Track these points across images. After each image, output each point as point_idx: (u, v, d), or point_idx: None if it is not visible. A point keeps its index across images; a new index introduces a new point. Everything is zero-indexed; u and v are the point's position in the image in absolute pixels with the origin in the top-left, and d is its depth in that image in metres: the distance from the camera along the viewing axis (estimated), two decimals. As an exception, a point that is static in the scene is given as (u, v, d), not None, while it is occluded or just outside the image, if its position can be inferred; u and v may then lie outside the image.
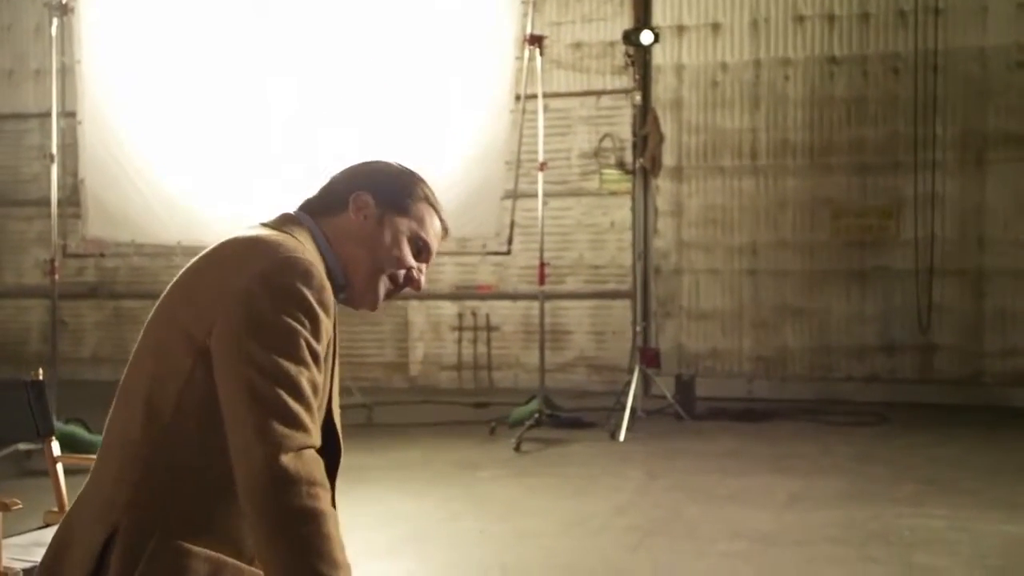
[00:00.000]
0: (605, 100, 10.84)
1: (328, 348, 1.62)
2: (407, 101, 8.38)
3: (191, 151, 8.16)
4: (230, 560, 1.58)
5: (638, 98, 9.44)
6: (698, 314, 10.62)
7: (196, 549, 1.54)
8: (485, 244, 9.41)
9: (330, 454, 1.65)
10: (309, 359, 1.53)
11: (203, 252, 1.75)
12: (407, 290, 1.88)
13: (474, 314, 11.21)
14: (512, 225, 9.06)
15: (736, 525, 5.62)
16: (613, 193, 10.78)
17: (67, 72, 7.87)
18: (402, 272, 1.82)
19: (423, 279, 1.87)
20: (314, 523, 1.47)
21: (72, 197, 8.67)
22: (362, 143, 8.30)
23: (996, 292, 9.76)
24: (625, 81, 10.39)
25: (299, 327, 1.53)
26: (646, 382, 9.37)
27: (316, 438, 1.53)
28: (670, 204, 10.65)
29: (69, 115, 8.21)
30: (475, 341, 11.23)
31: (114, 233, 7.91)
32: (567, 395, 9.88)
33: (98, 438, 6.90)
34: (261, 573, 1.56)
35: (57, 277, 7.23)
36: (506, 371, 11.16)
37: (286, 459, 1.47)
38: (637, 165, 9.69)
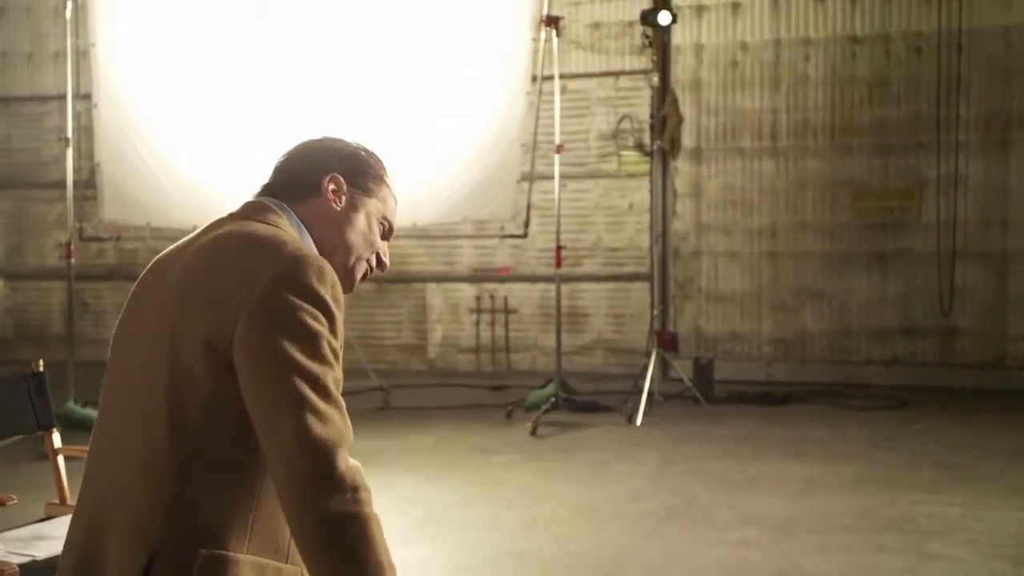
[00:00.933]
0: (623, 81, 10.74)
1: (340, 336, 1.61)
2: (423, 84, 8.34)
3: (207, 135, 8.17)
4: (271, 563, 1.57)
5: (656, 79, 9.35)
6: (717, 297, 10.55)
7: (243, 556, 1.52)
8: (503, 227, 9.39)
9: None
10: (332, 359, 1.52)
11: (189, 249, 1.66)
12: (387, 270, 1.92)
13: (492, 296, 11.19)
14: (529, 208, 9.03)
15: (750, 512, 5.59)
16: (631, 175, 10.70)
17: (83, 55, 7.88)
18: (374, 256, 1.81)
19: (387, 259, 1.85)
20: (360, 527, 1.47)
21: (89, 180, 8.69)
22: (377, 126, 8.28)
23: (1019, 275, 9.63)
24: (644, 62, 10.29)
25: (320, 328, 1.52)
26: (664, 366, 9.33)
27: (349, 434, 1.52)
28: (689, 186, 10.56)
29: (85, 98, 8.22)
30: (493, 324, 11.21)
31: (130, 216, 7.94)
32: (585, 378, 9.86)
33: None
34: (298, 570, 1.58)
35: (74, 261, 7.25)
36: (524, 354, 11.14)
37: (329, 465, 1.46)
38: (655, 147, 9.60)
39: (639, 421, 8.04)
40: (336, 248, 1.74)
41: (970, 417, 8.36)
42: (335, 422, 1.48)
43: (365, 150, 1.88)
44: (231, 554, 1.51)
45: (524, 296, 11.11)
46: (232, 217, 1.72)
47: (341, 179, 1.76)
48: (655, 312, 9.37)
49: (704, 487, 6.17)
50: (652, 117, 9.53)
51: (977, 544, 4.99)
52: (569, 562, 4.79)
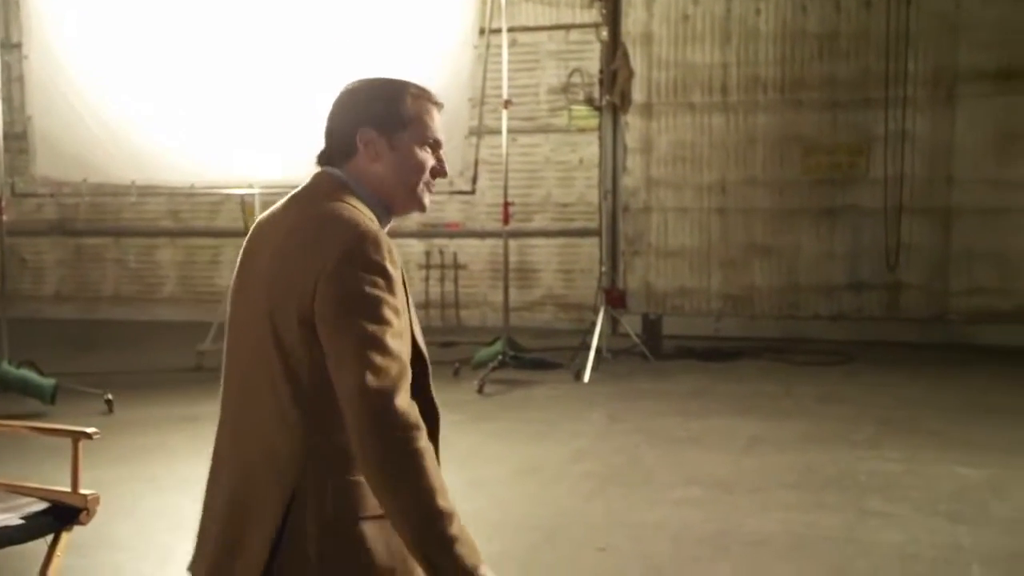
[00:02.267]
0: (574, 34, 10.62)
1: (404, 290, 1.89)
2: (365, 36, 8.15)
3: (144, 89, 7.94)
4: None
5: (605, 33, 9.24)
6: (666, 252, 10.55)
7: (363, 479, 1.82)
8: (452, 182, 9.26)
9: (420, 376, 1.90)
10: (391, 316, 1.80)
11: (276, 234, 1.93)
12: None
13: (441, 252, 11.10)
14: (477, 163, 8.91)
15: (693, 470, 5.61)
16: (582, 130, 10.61)
17: (12, 3, 7.60)
18: (429, 172, 2.02)
19: (446, 164, 2.06)
20: (411, 459, 1.75)
21: (22, 134, 8.43)
22: (317, 81, 8.10)
23: (963, 231, 9.72)
24: (594, 15, 10.17)
25: (379, 293, 1.80)
26: (613, 322, 9.33)
27: (405, 381, 1.80)
28: (639, 141, 10.50)
29: (15, 48, 7.94)
30: (442, 279, 11.14)
31: (65, 172, 7.71)
32: (534, 334, 9.84)
33: (49, 380, 6.82)
34: None
35: (5, 217, 7.03)
36: (474, 309, 11.09)
37: (384, 411, 1.75)
38: (605, 101, 9.51)
39: (587, 378, 8.04)
40: (393, 188, 1.99)
41: (914, 371, 8.46)
42: (390, 373, 1.77)
43: (387, 81, 2.05)
44: (353, 477, 1.84)
45: (474, 252, 11.04)
46: (307, 194, 1.96)
47: (371, 131, 1.96)
48: (603, 269, 9.34)
49: (649, 445, 6.18)
50: (601, 72, 9.41)
51: (915, 500, 5.05)
52: (512, 524, 4.76)
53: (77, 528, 3.34)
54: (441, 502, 1.77)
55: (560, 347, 8.99)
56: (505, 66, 8.50)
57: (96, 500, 3.30)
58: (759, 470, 5.62)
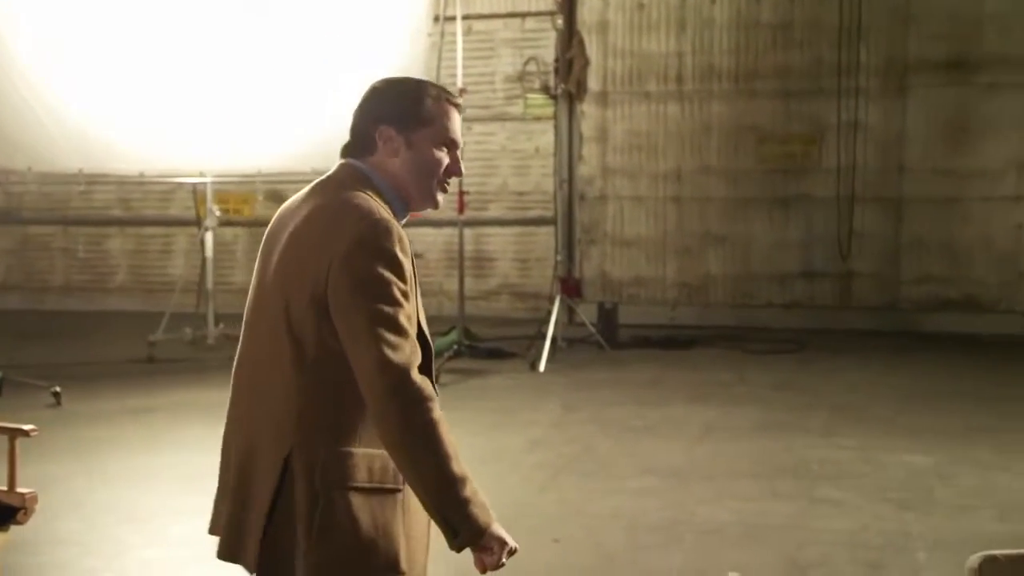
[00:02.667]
0: (530, 22, 10.58)
1: (413, 279, 2.02)
2: (318, 23, 8.07)
3: (92, 76, 7.80)
4: (377, 452, 2.00)
5: (560, 21, 9.22)
6: (622, 241, 10.57)
7: (355, 450, 1.99)
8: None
9: (424, 360, 2.01)
10: (401, 299, 1.94)
11: (296, 218, 2.05)
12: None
13: (397, 241, 11.03)
14: (431, 152, 8.86)
15: (648, 460, 5.64)
16: (537, 118, 10.59)
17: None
18: (443, 171, 2.14)
19: (461, 164, 2.18)
20: (426, 428, 1.89)
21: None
22: (270, 69, 8.03)
23: (914, 219, 9.84)
24: (549, 3, 10.13)
25: (391, 276, 1.94)
26: (570, 311, 9.34)
27: (416, 358, 1.95)
28: (595, 130, 10.50)
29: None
30: (398, 269, 11.07)
31: (10, 160, 7.56)
32: (490, 323, 9.83)
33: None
34: None
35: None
36: (430, 299, 10.98)
37: (400, 383, 1.90)
38: (559, 90, 9.49)
39: (543, 367, 8.04)
40: (407, 184, 2.10)
41: (865, 359, 8.56)
42: (404, 349, 1.92)
43: (408, 80, 2.18)
44: (346, 449, 1.99)
45: (430, 241, 10.97)
46: (329, 183, 2.09)
47: (390, 130, 2.07)
48: (558, 258, 9.34)
49: (604, 435, 6.21)
50: (556, 60, 9.39)
51: (864, 488, 5.11)
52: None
53: (23, 526, 3.29)
54: (456, 467, 1.92)
55: (516, 336, 8.98)
56: (460, 54, 8.46)
57: (34, 499, 3.25)
58: (713, 458, 5.66)
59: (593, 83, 10.25)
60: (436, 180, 2.13)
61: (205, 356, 8.70)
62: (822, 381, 7.68)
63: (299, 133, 8.27)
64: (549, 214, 10.51)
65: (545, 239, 10.60)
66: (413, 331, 1.97)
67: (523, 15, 10.60)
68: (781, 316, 10.09)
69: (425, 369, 2.00)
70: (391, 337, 1.91)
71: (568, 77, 9.38)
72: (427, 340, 2.05)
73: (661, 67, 10.29)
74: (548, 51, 10.33)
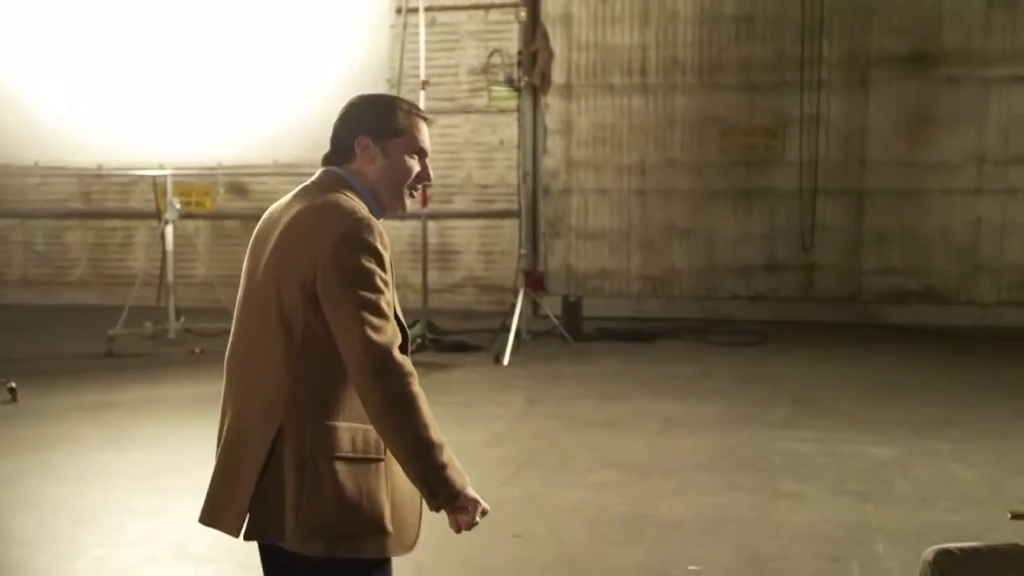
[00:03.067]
0: (494, 14, 10.53)
1: (390, 268, 2.23)
2: (280, 16, 7.98)
3: (50, 68, 7.67)
4: (360, 426, 2.21)
5: (524, 14, 9.18)
6: (587, 234, 10.57)
7: (339, 424, 2.19)
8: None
9: (402, 339, 2.23)
10: (382, 286, 2.16)
11: (285, 218, 2.28)
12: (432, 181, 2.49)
13: (361, 234, 10.96)
14: (395, 145, 8.80)
15: (609, 453, 5.63)
16: (502, 111, 10.55)
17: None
18: (415, 178, 2.38)
19: (430, 171, 2.42)
20: (407, 401, 2.11)
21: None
22: (231, 62, 7.93)
23: (876, 212, 9.92)
24: (514, -6, 10.10)
25: (374, 267, 2.16)
26: (535, 304, 9.33)
27: (397, 339, 2.17)
28: (559, 122, 10.48)
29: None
30: (362, 262, 10.99)
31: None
32: (455, 316, 9.80)
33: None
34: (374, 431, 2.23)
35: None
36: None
37: (383, 361, 2.11)
38: (523, 83, 9.46)
39: (507, 361, 8.02)
40: (381, 189, 2.33)
41: (827, 351, 8.61)
42: (386, 331, 2.14)
43: (383, 97, 2.47)
44: (332, 423, 2.19)
45: (395, 234, 10.80)
46: (314, 187, 2.31)
47: (368, 140, 2.31)
48: (522, 251, 9.31)
49: (567, 428, 6.19)
50: (520, 53, 9.36)
51: (825, 480, 5.14)
52: (426, 511, 4.71)
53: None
54: (434, 435, 2.14)
55: (480, 329, 8.96)
56: (423, 45, 8.40)
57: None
58: (674, 452, 5.67)
59: (557, 76, 10.24)
60: (406, 186, 2.36)
61: (165, 351, 8.61)
62: (784, 374, 7.72)
63: (260, 126, 8.20)
64: (514, 207, 10.48)
65: (510, 232, 10.58)
66: (390, 311, 2.18)
67: (487, 7, 10.55)
68: (745, 308, 10.14)
69: (402, 351, 2.19)
70: (375, 320, 2.12)
71: (532, 70, 9.36)
72: (403, 325, 2.26)
73: (625, 60, 10.28)
74: (513, 43, 10.30)
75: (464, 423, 6.28)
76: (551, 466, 5.44)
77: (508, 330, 8.32)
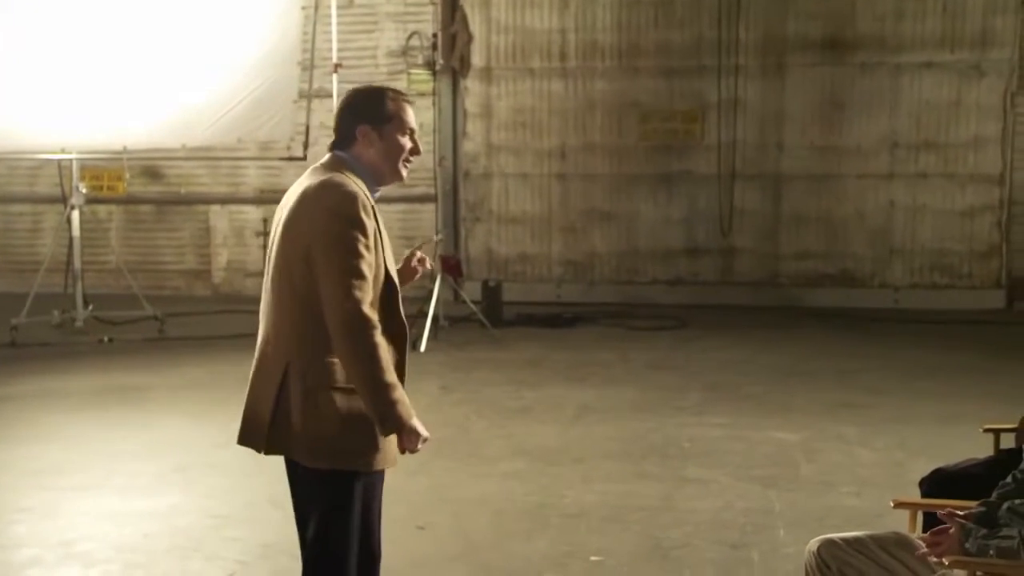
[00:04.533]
0: (413, -5, 10.39)
1: (376, 233, 2.66)
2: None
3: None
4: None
5: (442, -6, 9.06)
6: (507, 218, 10.52)
7: (334, 360, 2.64)
8: (289, 147, 8.98)
9: (392, 296, 2.73)
10: (363, 252, 2.59)
11: (294, 196, 2.73)
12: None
13: (279, 219, 10.77)
14: (308, 128, 8.65)
15: (521, 442, 5.60)
16: (422, 94, 10.42)
17: None
18: (407, 152, 2.81)
19: (419, 144, 2.87)
20: (374, 349, 2.57)
21: None
22: (140, 45, 7.71)
23: (792, 196, 10.03)
24: (432, -24, 9.97)
25: (356, 234, 2.59)
26: (455, 290, 9.26)
27: (368, 296, 2.59)
28: (479, 106, 10.40)
29: None
30: (280, 247, 10.82)
31: None
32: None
33: None
34: None
35: None
36: (314, 277, 10.82)
37: (354, 316, 2.56)
38: (439, 66, 9.34)
39: (423, 347, 7.95)
40: (381, 166, 2.79)
41: (744, 335, 8.69)
42: (359, 290, 2.57)
43: (374, 88, 2.87)
44: (327, 359, 2.64)
45: (313, 219, 10.76)
46: (320, 168, 2.76)
47: (367, 127, 2.76)
48: (438, 236, 9.22)
49: (479, 416, 6.15)
50: (434, 36, 9.23)
51: (732, 466, 5.16)
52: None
53: None
54: (388, 376, 2.60)
55: (399, 316, 8.85)
56: (335, 27, 8.26)
57: None
58: (585, 440, 5.66)
59: (477, 59, 10.15)
60: (401, 160, 2.80)
61: (73, 340, 8.38)
62: (699, 359, 7.76)
63: (168, 109, 7.98)
64: (433, 191, 10.39)
65: (430, 216, 10.48)
66: (371, 276, 2.61)
67: (406, -12, 10.40)
68: (666, 292, 10.19)
69: (391, 304, 2.71)
70: (352, 281, 2.56)
71: (451, 53, 9.26)
72: (392, 279, 2.72)
73: (545, 43, 10.23)
74: (432, 25, 10.19)
75: (375, 412, 6.20)
76: (461, 455, 5.39)
77: (425, 316, 8.25)
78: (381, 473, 2.79)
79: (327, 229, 2.60)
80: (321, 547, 2.76)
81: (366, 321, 2.56)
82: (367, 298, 2.59)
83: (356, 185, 2.66)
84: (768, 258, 10.14)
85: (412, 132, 2.83)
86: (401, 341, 2.77)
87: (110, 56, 7.84)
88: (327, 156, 2.81)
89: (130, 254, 10.85)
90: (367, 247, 2.60)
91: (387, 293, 2.71)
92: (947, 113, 9.69)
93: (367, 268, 2.59)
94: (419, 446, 2.67)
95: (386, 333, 2.68)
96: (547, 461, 5.27)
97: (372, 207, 2.66)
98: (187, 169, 10.63)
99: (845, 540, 2.79)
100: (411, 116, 2.82)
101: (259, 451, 2.75)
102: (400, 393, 2.61)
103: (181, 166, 10.52)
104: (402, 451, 2.68)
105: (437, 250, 8.86)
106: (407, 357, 2.81)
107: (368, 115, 2.76)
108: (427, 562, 4.05)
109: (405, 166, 2.83)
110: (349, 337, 2.57)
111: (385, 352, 2.60)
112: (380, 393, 2.58)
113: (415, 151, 2.84)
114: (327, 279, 2.59)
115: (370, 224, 2.62)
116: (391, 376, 2.60)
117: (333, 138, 2.83)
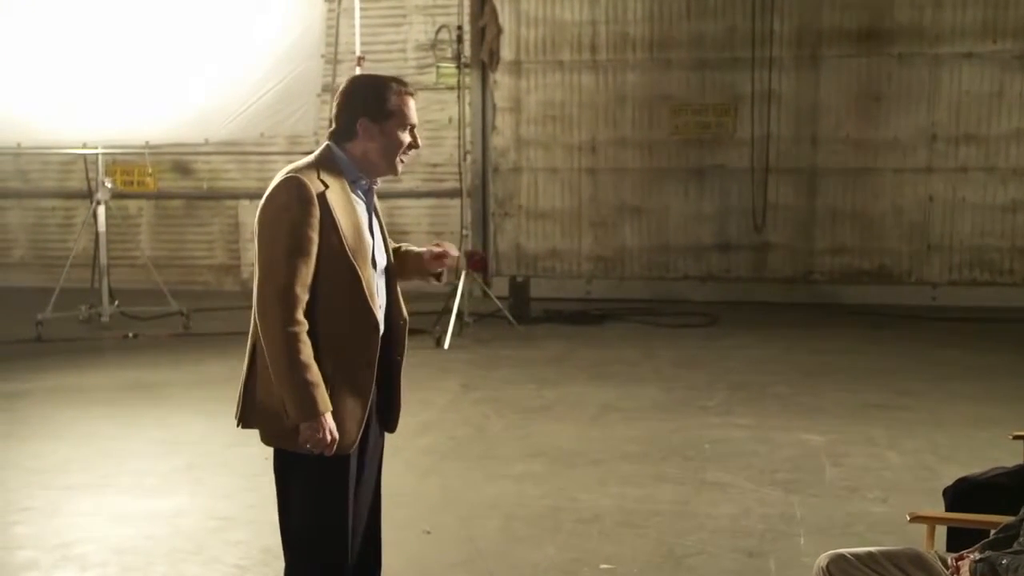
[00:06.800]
0: (442, -12, 10.29)
1: (333, 220, 2.63)
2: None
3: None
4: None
5: (469, -13, 8.94)
6: (537, 214, 10.39)
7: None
8: (317, 141, 8.91)
9: (352, 284, 2.68)
10: (288, 240, 2.57)
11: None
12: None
13: (307, 214, 10.72)
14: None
15: (538, 442, 5.48)
16: (450, 88, 10.29)
17: None
18: (406, 147, 2.78)
19: (419, 139, 2.83)
20: (286, 337, 2.57)
21: None
22: (164, 38, 7.67)
23: (827, 191, 9.79)
24: (461, -32, 9.85)
25: (285, 221, 2.57)
26: (483, 287, 9.15)
27: (297, 282, 2.58)
28: (508, 100, 10.27)
29: None
30: (309, 242, 10.77)
31: None
32: (403, 298, 9.57)
33: None
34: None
35: None
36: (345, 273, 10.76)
37: (270, 297, 2.59)
38: (464, 60, 9.21)
39: (447, 344, 7.85)
40: (379, 160, 2.76)
41: (775, 332, 8.49)
42: (279, 279, 2.57)
43: (376, 80, 2.82)
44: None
45: (341, 214, 10.70)
46: (304, 158, 2.79)
47: (367, 120, 2.72)
48: (465, 232, 9.10)
49: (498, 415, 6.03)
50: (459, 29, 9.11)
51: (755, 470, 5.00)
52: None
53: None
54: (297, 363, 2.57)
55: (427, 312, 8.72)
56: (358, 20, 8.16)
57: None
58: (604, 441, 5.52)
59: (506, 52, 10.01)
60: (398, 156, 2.77)
61: (98, 335, 8.38)
62: (727, 357, 7.58)
63: (191, 104, 7.94)
64: (460, 186, 10.26)
65: (458, 212, 10.36)
66: (301, 263, 2.58)
67: (435, -19, 10.30)
68: (697, 288, 10.00)
69: (359, 296, 2.67)
70: (272, 268, 2.58)
71: (480, 46, 9.13)
72: (357, 273, 2.66)
73: (575, 36, 10.08)
74: (461, 18, 10.06)
75: (393, 411, 6.10)
76: (476, 456, 5.27)
77: (449, 313, 8.14)
78: (342, 459, 2.74)
79: (259, 217, 2.66)
80: (283, 529, 2.88)
81: (280, 311, 2.56)
82: (286, 285, 2.57)
83: (315, 176, 2.63)
84: (802, 254, 9.92)
85: (412, 127, 2.80)
86: (367, 335, 2.71)
87: (132, 49, 7.80)
88: (320, 148, 2.79)
89: (160, 249, 10.87)
90: (299, 235, 2.57)
91: (351, 283, 2.65)
92: (988, 105, 9.41)
93: (291, 257, 2.57)
94: (324, 449, 2.63)
95: (350, 325, 2.66)
96: (564, 463, 5.14)
97: (324, 194, 2.61)
98: (216, 164, 10.62)
99: (856, 556, 2.64)
100: (413, 111, 2.79)
101: (238, 426, 2.81)
102: (310, 384, 2.58)
103: (210, 161, 10.50)
104: (301, 444, 2.64)
105: (462, 246, 8.75)
106: (394, 354, 2.93)
107: (370, 109, 2.73)
108: (427, 568, 3.94)
109: (402, 160, 2.81)
110: (262, 320, 2.61)
111: (301, 342, 2.58)
112: (283, 378, 2.59)
113: (413, 146, 2.81)
114: (256, 264, 2.67)
115: (311, 210, 2.58)
116: (300, 367, 2.57)
117: (332, 127, 2.79)
